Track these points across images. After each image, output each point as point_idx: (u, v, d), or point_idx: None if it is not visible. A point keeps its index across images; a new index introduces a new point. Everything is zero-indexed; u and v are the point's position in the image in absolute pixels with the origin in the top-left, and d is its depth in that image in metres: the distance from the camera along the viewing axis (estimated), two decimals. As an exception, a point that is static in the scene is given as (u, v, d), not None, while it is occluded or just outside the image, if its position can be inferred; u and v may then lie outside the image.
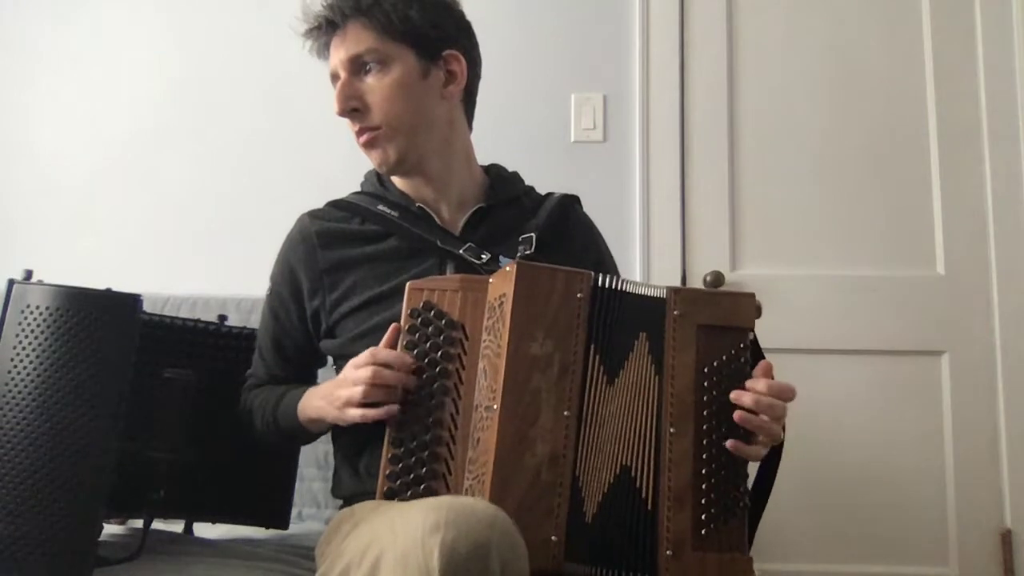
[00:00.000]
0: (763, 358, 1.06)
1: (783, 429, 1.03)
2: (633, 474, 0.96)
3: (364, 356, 1.03)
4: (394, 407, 1.01)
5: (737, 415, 0.97)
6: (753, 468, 1.04)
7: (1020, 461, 1.96)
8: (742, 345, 1.01)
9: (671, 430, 0.97)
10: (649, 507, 0.95)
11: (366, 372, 1.01)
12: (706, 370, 0.99)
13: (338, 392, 1.05)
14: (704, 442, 0.97)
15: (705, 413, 0.98)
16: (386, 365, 1.02)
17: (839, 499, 1.95)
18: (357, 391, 1.02)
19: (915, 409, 2.00)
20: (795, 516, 1.91)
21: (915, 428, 1.99)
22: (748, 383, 0.99)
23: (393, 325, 1.06)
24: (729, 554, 0.95)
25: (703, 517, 0.95)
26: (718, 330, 1.01)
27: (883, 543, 1.95)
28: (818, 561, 1.93)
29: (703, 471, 0.96)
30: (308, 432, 1.18)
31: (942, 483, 1.97)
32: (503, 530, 0.80)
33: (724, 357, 1.00)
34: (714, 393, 0.99)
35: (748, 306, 1.02)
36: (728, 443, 0.97)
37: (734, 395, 0.98)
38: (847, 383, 2.00)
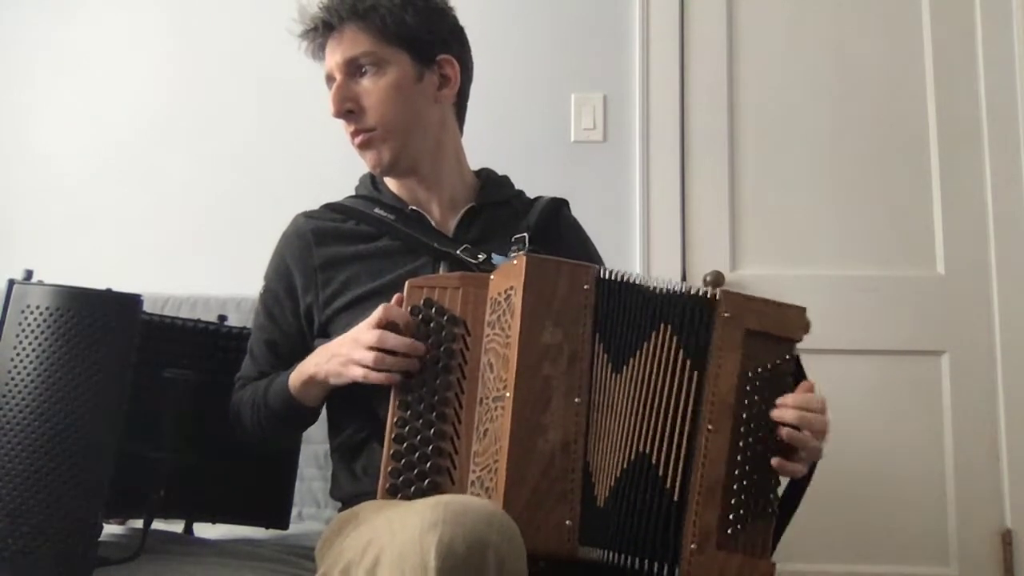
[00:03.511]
0: (804, 376, 1.06)
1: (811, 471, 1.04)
2: (654, 462, 0.96)
3: (377, 313, 1.04)
4: (395, 377, 1.01)
5: (784, 432, 0.98)
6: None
7: (1020, 461, 1.96)
8: (788, 356, 1.02)
9: (709, 427, 0.98)
10: (676, 498, 0.96)
11: (375, 334, 1.02)
12: (750, 375, 1.00)
13: (346, 351, 1.06)
14: (740, 444, 0.98)
15: (744, 416, 0.99)
16: (393, 324, 1.02)
17: (839, 499, 1.94)
18: (368, 356, 1.02)
19: (915, 409, 2.00)
20: (794, 516, 1.91)
21: (915, 428, 1.99)
22: (786, 398, 1.00)
23: (396, 296, 1.06)
24: (751, 557, 0.96)
25: (731, 516, 0.96)
26: (765, 337, 1.01)
27: (883, 543, 1.95)
28: (818, 561, 1.93)
29: (736, 472, 0.97)
30: (298, 406, 1.15)
31: (942, 483, 1.97)
32: (501, 527, 0.80)
33: (769, 365, 1.01)
34: (755, 398, 0.99)
35: (798, 318, 1.03)
36: (773, 461, 0.98)
37: (776, 413, 0.99)
38: (847, 383, 1.99)
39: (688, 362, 0.99)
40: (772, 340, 1.01)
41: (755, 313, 1.02)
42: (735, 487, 0.97)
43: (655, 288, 1.02)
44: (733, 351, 1.00)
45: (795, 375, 1.05)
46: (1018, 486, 1.95)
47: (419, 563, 0.76)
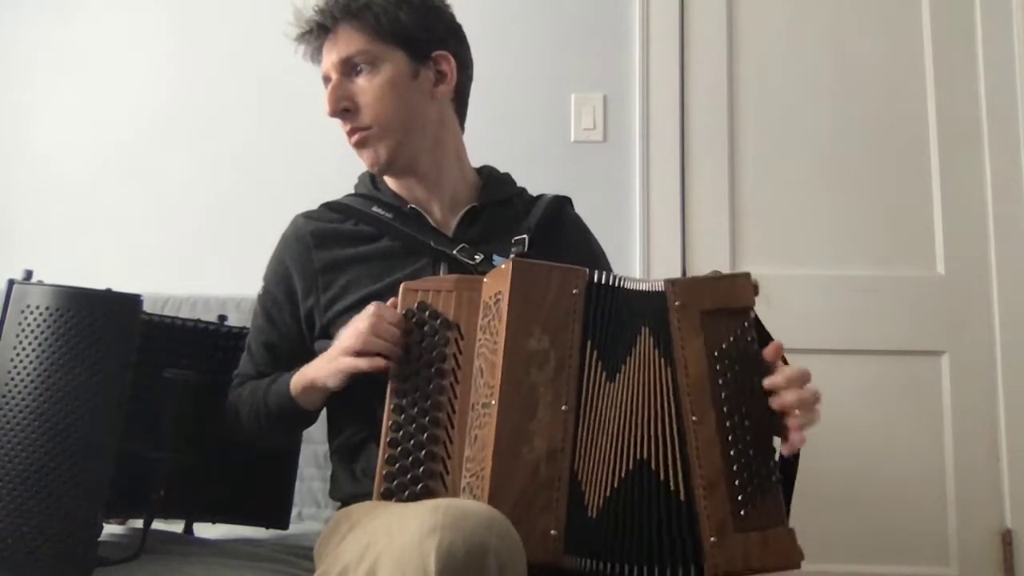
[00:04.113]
0: (769, 337, 1.07)
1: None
2: (654, 467, 0.96)
3: (369, 308, 1.05)
4: (380, 360, 1.02)
5: (791, 423, 0.98)
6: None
7: (1020, 461, 1.96)
8: (746, 324, 1.02)
9: (693, 418, 0.98)
10: (682, 497, 0.95)
11: (366, 322, 1.02)
12: (716, 354, 1.00)
13: (339, 344, 1.07)
14: (727, 424, 0.98)
15: (723, 396, 0.99)
16: (382, 318, 1.03)
17: (839, 499, 1.95)
18: (357, 340, 1.03)
19: (915, 409, 2.00)
20: (794, 516, 1.90)
21: (915, 428, 1.99)
22: (767, 382, 1.00)
23: (391, 300, 1.07)
24: (771, 529, 0.96)
25: (739, 498, 0.96)
26: (721, 313, 1.02)
27: (883, 543, 1.95)
28: (818, 561, 1.92)
29: (731, 453, 0.97)
30: (298, 410, 1.16)
31: (942, 483, 1.97)
32: (500, 532, 0.80)
33: (732, 339, 1.01)
34: (728, 375, 1.00)
35: (745, 286, 1.03)
36: (784, 450, 0.98)
37: (776, 403, 0.98)
38: (847, 383, 1.99)
39: (663, 360, 1.00)
40: (728, 314, 1.02)
41: (705, 293, 1.03)
42: (735, 468, 0.96)
43: (640, 289, 1.02)
44: (695, 336, 1.00)
45: (760, 338, 1.05)
46: (1018, 486, 1.95)
47: (419, 568, 0.76)
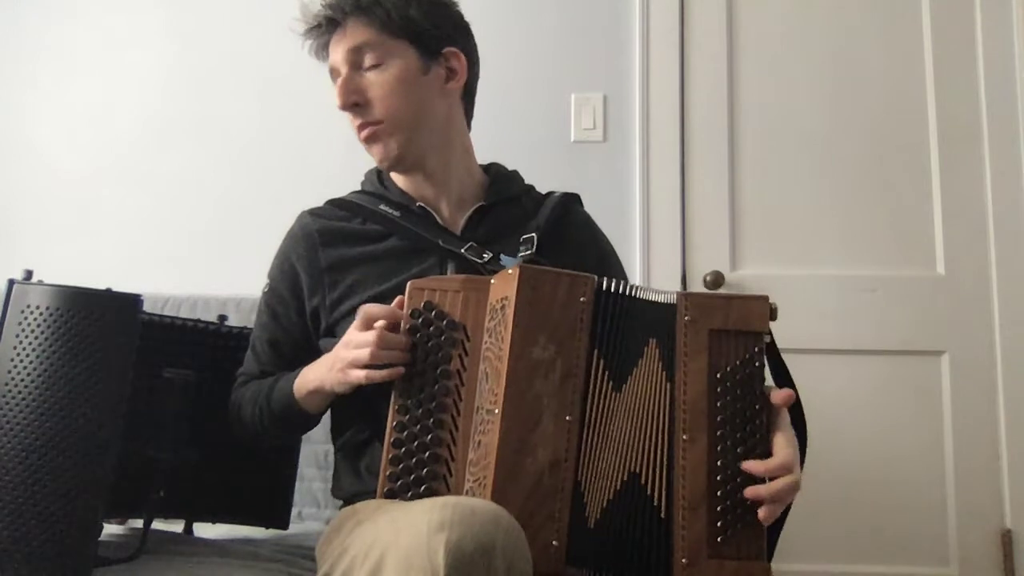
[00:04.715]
0: (782, 362, 1.05)
1: (800, 465, 1.01)
2: (643, 481, 0.95)
3: (362, 316, 1.03)
4: (399, 369, 1.01)
5: (762, 514, 0.94)
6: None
7: (1020, 461, 1.96)
8: (756, 349, 0.99)
9: (684, 437, 0.96)
10: (663, 515, 0.95)
11: (371, 335, 1.01)
12: (719, 375, 0.98)
13: (342, 354, 1.05)
14: (718, 448, 0.96)
15: (719, 419, 0.97)
16: (386, 328, 1.02)
17: (839, 499, 1.95)
18: (364, 353, 1.01)
19: (915, 409, 2.00)
20: (794, 516, 1.90)
21: (915, 428, 1.99)
22: (754, 467, 0.96)
23: (397, 298, 1.06)
24: (747, 562, 0.93)
25: (719, 524, 0.94)
26: (730, 335, 0.99)
27: (883, 543, 1.95)
28: (818, 561, 1.93)
29: (718, 478, 0.95)
30: (302, 413, 1.15)
31: (942, 483, 1.97)
32: (508, 529, 0.80)
33: (738, 362, 0.98)
34: (728, 399, 0.97)
35: (761, 309, 1.00)
36: (761, 514, 0.94)
37: (750, 492, 0.94)
38: (847, 383, 2.00)
39: (664, 374, 0.98)
40: (738, 336, 0.99)
41: (717, 311, 1.00)
42: (719, 494, 0.94)
43: (652, 299, 1.01)
44: (699, 354, 0.98)
45: (773, 364, 1.03)
46: (1018, 486, 1.95)
47: (427, 564, 0.76)
